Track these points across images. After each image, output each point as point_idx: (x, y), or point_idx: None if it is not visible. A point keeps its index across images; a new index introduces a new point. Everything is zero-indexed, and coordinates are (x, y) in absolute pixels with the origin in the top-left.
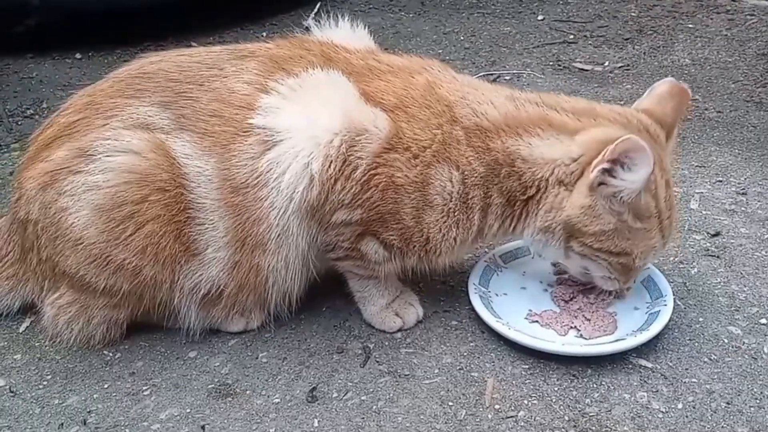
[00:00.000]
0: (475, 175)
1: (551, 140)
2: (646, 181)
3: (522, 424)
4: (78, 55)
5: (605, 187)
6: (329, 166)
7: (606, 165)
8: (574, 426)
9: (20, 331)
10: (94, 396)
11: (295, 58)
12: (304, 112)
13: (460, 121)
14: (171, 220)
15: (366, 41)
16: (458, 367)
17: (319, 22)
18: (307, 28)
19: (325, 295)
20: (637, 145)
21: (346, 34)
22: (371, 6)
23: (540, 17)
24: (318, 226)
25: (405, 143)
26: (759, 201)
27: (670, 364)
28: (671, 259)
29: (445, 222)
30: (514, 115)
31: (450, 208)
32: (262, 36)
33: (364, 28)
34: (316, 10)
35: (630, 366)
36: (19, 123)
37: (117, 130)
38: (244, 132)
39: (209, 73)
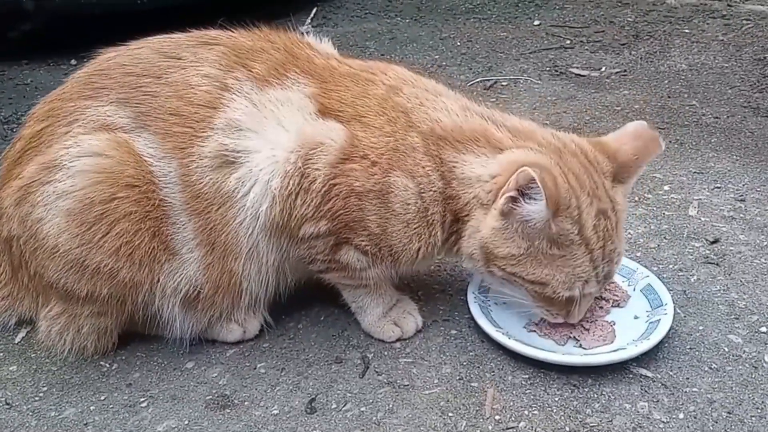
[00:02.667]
0: (433, 189)
1: (482, 158)
2: (545, 211)
3: None
4: (73, 61)
5: (516, 213)
6: (288, 182)
7: (512, 194)
8: None
9: (16, 342)
10: (91, 408)
11: (257, 50)
12: (263, 134)
13: (416, 126)
14: (144, 217)
15: (330, 50)
16: (458, 377)
17: (304, 35)
18: (302, 33)
19: (323, 304)
20: (529, 177)
21: (312, 42)
22: (367, 11)
23: (536, 22)
24: (289, 241)
25: (362, 152)
26: (757, 207)
27: (671, 373)
28: (670, 266)
29: (405, 233)
30: (460, 127)
31: (409, 219)
32: None
33: (330, 40)
34: (312, 15)
35: (630, 375)
36: (14, 130)
37: (77, 137)
38: (202, 133)
39: (167, 63)
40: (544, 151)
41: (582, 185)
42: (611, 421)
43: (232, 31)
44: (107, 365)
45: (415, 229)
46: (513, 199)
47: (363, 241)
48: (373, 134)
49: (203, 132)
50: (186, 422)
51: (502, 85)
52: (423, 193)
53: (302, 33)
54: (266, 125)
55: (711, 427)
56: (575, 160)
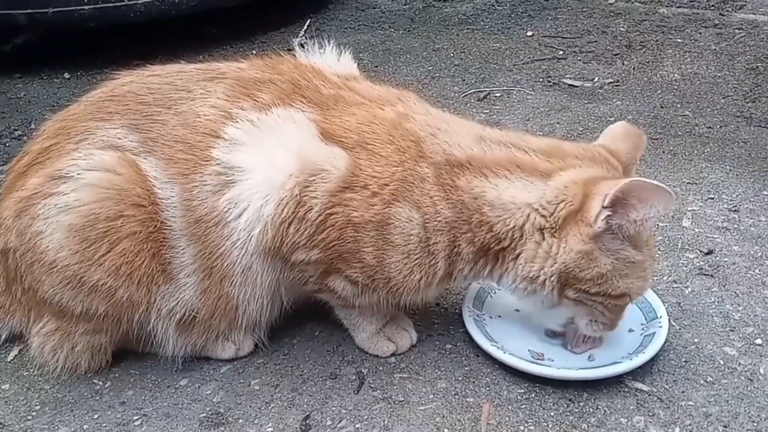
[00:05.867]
0: (439, 219)
1: (521, 183)
2: (660, 210)
3: None
4: (66, 75)
5: (611, 229)
6: (282, 210)
7: (609, 212)
8: None
9: (8, 360)
10: (84, 427)
11: (264, 82)
12: (261, 153)
13: (428, 157)
14: (147, 237)
15: (349, 68)
16: (453, 392)
17: (303, 46)
18: (302, 45)
19: (318, 319)
20: (644, 185)
21: (331, 60)
22: (360, 23)
23: (529, 33)
24: (283, 263)
25: (363, 181)
26: (751, 218)
27: (666, 386)
28: (665, 278)
29: (405, 264)
30: (479, 156)
31: (410, 250)
32: (251, 54)
33: (350, 52)
34: (305, 27)
35: (626, 389)
36: (7, 144)
37: (88, 150)
38: (205, 161)
39: (178, 95)
40: (589, 165)
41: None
42: None
43: (240, 63)
44: (100, 383)
45: (416, 260)
46: (609, 217)
47: (355, 272)
48: (378, 163)
49: (206, 160)
50: None
51: (496, 96)
52: (427, 223)
53: (301, 45)
54: (264, 140)
55: None
56: (609, 167)
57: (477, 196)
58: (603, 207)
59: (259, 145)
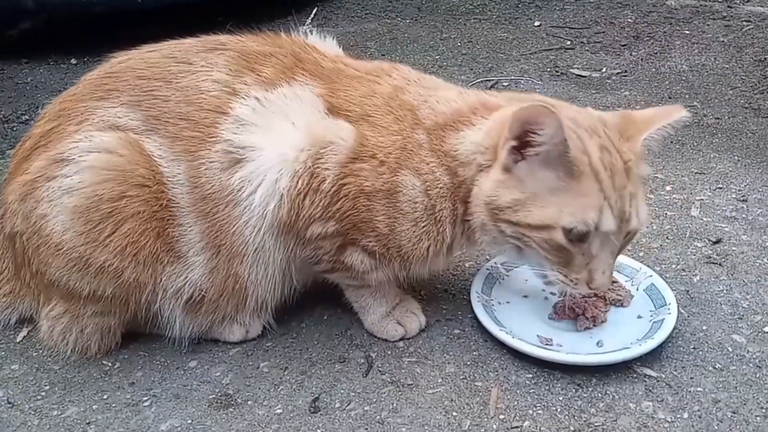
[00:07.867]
0: (440, 185)
1: (477, 126)
2: (560, 132)
3: None
4: (73, 60)
5: (529, 159)
6: (297, 182)
7: (513, 142)
8: None
9: (17, 341)
10: (94, 407)
11: (265, 55)
12: (271, 130)
13: (422, 122)
14: (152, 217)
15: (335, 51)
16: (462, 377)
17: (289, 34)
18: (306, 34)
19: (327, 303)
20: (533, 110)
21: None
22: (368, 12)
23: (537, 23)
24: (296, 241)
25: (370, 151)
26: (759, 208)
27: (675, 373)
28: (673, 266)
29: (414, 232)
30: (460, 108)
31: (417, 218)
32: None
33: (333, 38)
34: (312, 15)
35: (635, 375)
36: (15, 129)
37: (89, 132)
38: (211, 139)
39: (177, 68)
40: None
41: (578, 124)
42: (616, 420)
43: (240, 36)
44: (109, 364)
45: (423, 227)
46: (516, 148)
47: (371, 242)
48: (381, 133)
49: (212, 136)
50: (189, 421)
51: (503, 86)
52: (429, 190)
53: (305, 33)
54: (273, 120)
55: (716, 427)
56: (570, 107)
57: (455, 157)
58: (507, 138)
59: (268, 125)
